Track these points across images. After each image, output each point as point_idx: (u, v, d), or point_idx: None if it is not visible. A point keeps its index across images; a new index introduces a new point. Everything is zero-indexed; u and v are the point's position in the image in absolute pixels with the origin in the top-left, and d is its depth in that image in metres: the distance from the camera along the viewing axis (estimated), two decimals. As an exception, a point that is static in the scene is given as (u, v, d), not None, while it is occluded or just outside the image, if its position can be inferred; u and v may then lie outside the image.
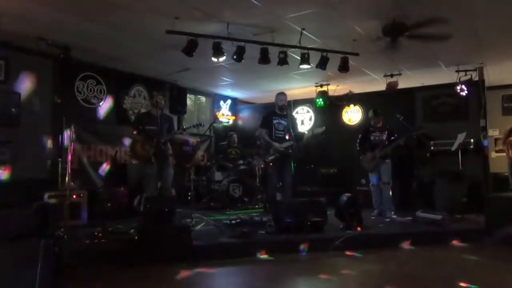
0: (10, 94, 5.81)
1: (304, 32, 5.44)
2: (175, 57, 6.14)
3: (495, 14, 5.02)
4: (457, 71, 7.10)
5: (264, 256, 4.17)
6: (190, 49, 5.18)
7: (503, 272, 3.75)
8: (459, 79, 7.07)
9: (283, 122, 5.82)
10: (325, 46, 5.90)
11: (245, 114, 9.97)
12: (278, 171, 5.74)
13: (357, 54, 5.96)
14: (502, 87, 8.63)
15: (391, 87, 7.51)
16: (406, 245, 4.62)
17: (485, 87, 6.96)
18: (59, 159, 5.84)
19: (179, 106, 8.36)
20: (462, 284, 3.23)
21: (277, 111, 5.88)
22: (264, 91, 9.14)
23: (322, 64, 5.92)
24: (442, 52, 6.41)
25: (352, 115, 8.32)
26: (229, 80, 8.32)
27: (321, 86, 8.43)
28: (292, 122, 5.91)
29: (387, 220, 5.83)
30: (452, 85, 7.10)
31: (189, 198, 6.91)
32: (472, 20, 5.20)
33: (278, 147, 5.64)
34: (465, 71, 7.05)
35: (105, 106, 7.15)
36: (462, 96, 6.98)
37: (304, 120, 8.97)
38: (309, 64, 5.84)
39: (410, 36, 5.34)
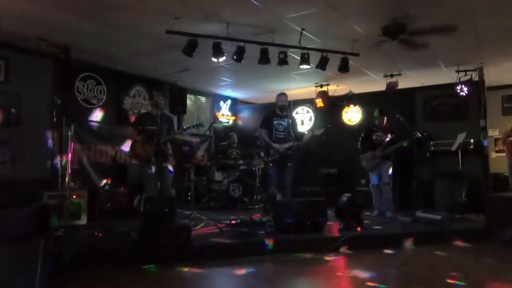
0: (10, 94, 5.82)
1: (304, 32, 5.44)
2: (175, 57, 6.14)
3: (495, 14, 5.02)
4: (457, 71, 7.11)
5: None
6: (190, 49, 5.18)
7: (503, 272, 3.75)
8: (459, 79, 7.07)
9: (283, 123, 5.82)
10: (325, 46, 5.90)
11: (245, 114, 9.98)
12: (278, 171, 5.74)
13: (357, 54, 5.96)
14: (502, 87, 8.63)
15: (391, 87, 7.51)
16: (406, 245, 4.62)
17: (485, 87, 6.96)
18: (59, 159, 5.84)
19: (179, 106, 8.36)
20: (461, 284, 3.23)
21: (277, 112, 5.87)
22: (264, 91, 9.15)
23: (322, 64, 5.92)
24: (442, 52, 6.42)
25: (352, 115, 8.32)
26: (229, 80, 8.32)
27: (321, 86, 8.43)
28: (292, 122, 5.91)
29: (387, 220, 5.83)
30: (452, 85, 7.10)
31: (189, 198, 6.91)
32: (472, 20, 5.20)
33: (278, 148, 5.64)
34: (465, 71, 7.05)
35: (105, 106, 7.15)
36: (462, 96, 6.98)
37: (304, 120, 8.97)
38: (309, 64, 5.84)
39: (412, 33, 5.35)
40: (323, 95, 8.36)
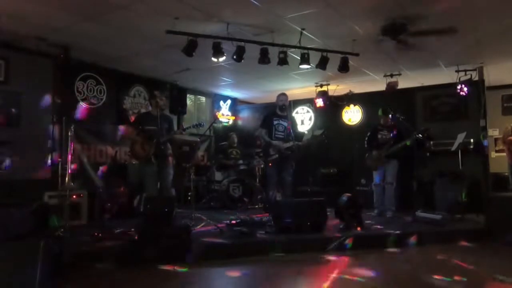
0: (10, 94, 5.82)
1: (304, 32, 5.44)
2: (175, 57, 6.14)
3: (495, 14, 5.02)
4: (457, 71, 7.10)
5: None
6: (190, 49, 5.18)
7: (503, 272, 3.75)
8: (459, 79, 7.06)
9: (283, 123, 5.82)
10: (325, 46, 5.90)
11: (245, 114, 9.97)
12: (278, 171, 5.74)
13: (357, 54, 5.96)
14: (502, 87, 8.62)
15: (391, 87, 7.50)
16: (406, 245, 4.62)
17: (485, 87, 6.96)
18: (59, 159, 5.83)
19: (179, 106, 8.36)
20: (461, 284, 3.23)
21: (278, 112, 5.88)
22: (264, 91, 9.15)
23: (322, 64, 5.91)
24: (442, 52, 6.41)
25: (352, 115, 8.32)
26: (229, 80, 8.32)
27: (321, 86, 8.42)
28: (292, 124, 5.91)
29: (387, 220, 5.83)
30: (452, 85, 7.09)
31: (189, 198, 6.91)
32: (472, 20, 5.19)
33: (278, 146, 5.63)
34: (465, 71, 7.04)
35: (105, 106, 7.15)
36: (462, 96, 6.97)
37: (304, 120, 8.97)
38: (309, 64, 5.84)
39: (412, 34, 5.35)
40: (323, 95, 8.36)
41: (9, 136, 5.69)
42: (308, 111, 8.95)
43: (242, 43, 5.33)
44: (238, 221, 5.18)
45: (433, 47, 6.07)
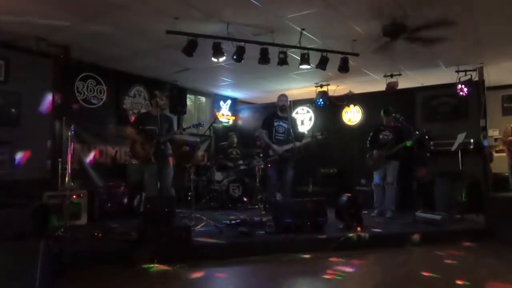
0: (10, 94, 5.82)
1: (304, 32, 5.44)
2: (175, 57, 6.14)
3: (495, 14, 5.02)
4: (457, 71, 7.10)
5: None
6: (190, 49, 5.18)
7: (503, 272, 3.75)
8: (459, 79, 7.07)
9: (283, 124, 5.82)
10: (325, 46, 5.90)
11: (245, 114, 9.97)
12: (278, 171, 5.75)
13: (357, 55, 5.96)
14: (502, 87, 8.62)
15: (391, 87, 7.50)
16: (406, 245, 4.62)
17: (485, 87, 6.96)
18: (59, 159, 5.84)
19: (179, 106, 8.36)
20: (461, 285, 3.23)
21: (278, 113, 5.88)
22: (264, 91, 9.15)
23: (322, 64, 5.91)
24: (442, 52, 6.41)
25: (352, 115, 8.31)
26: (229, 80, 8.32)
27: (321, 86, 8.42)
28: (293, 123, 5.91)
29: (387, 220, 5.83)
30: (452, 85, 7.09)
31: (189, 198, 6.91)
32: (472, 20, 5.19)
33: (277, 150, 5.64)
34: (465, 71, 7.05)
35: (105, 106, 7.15)
36: (462, 96, 6.97)
37: (304, 120, 8.97)
38: (309, 64, 5.84)
39: (409, 38, 5.35)
40: (323, 95, 8.36)
41: (9, 136, 5.70)
42: (308, 111, 8.95)
43: (242, 43, 5.33)
44: (238, 221, 5.18)
45: (433, 47, 6.06)
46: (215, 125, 9.00)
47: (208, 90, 9.41)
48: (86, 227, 5.16)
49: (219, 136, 9.39)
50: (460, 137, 6.35)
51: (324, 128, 7.34)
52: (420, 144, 6.15)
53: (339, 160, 8.04)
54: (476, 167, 6.49)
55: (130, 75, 7.58)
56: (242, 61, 5.50)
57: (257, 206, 7.07)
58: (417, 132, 5.95)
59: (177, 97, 8.34)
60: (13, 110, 5.83)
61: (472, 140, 6.70)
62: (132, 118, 7.25)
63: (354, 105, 8.28)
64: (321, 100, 8.33)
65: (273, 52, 5.56)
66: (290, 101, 6.16)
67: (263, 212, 6.13)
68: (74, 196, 5.39)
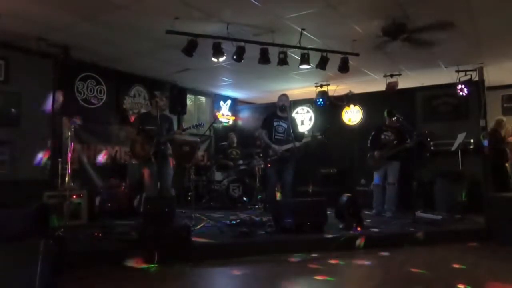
0: (10, 94, 5.82)
1: (304, 32, 5.44)
2: (175, 57, 6.14)
3: (495, 14, 5.02)
4: (457, 71, 7.10)
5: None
6: (190, 49, 5.18)
7: (503, 272, 3.75)
8: (459, 79, 7.07)
9: (283, 124, 5.82)
10: (325, 46, 5.90)
11: (245, 114, 9.98)
12: (278, 171, 5.75)
13: (357, 54, 5.96)
14: (502, 87, 8.62)
15: (391, 87, 7.51)
16: (406, 245, 4.62)
17: (485, 87, 6.94)
18: (59, 159, 5.84)
19: (179, 106, 8.35)
20: (461, 286, 3.23)
21: (278, 113, 5.88)
22: (264, 91, 9.15)
23: (322, 64, 5.91)
24: (442, 52, 6.41)
25: (352, 115, 8.32)
26: (229, 80, 8.32)
27: (321, 86, 8.43)
28: (292, 124, 5.91)
29: (387, 220, 5.83)
30: (452, 85, 7.10)
31: (189, 198, 6.91)
32: (472, 20, 5.19)
33: (276, 150, 5.64)
34: (465, 71, 7.05)
35: (105, 106, 7.15)
36: (462, 96, 6.98)
37: (304, 120, 8.97)
38: (309, 64, 5.84)
39: (408, 40, 5.36)
40: (323, 95, 8.36)
41: (9, 136, 5.70)
42: (308, 111, 8.95)
43: (242, 43, 5.33)
44: (238, 221, 5.18)
45: (433, 47, 6.07)
46: (215, 125, 9.01)
47: (208, 90, 9.41)
48: (86, 227, 5.15)
49: (219, 136, 9.39)
50: (460, 137, 6.35)
51: (324, 128, 7.32)
52: (421, 144, 6.15)
53: (339, 160, 8.04)
54: (476, 167, 6.49)
55: (130, 75, 7.58)
56: (242, 61, 5.50)
57: (257, 206, 7.08)
58: (419, 135, 5.94)
59: (177, 97, 8.33)
60: (13, 110, 5.83)
61: (472, 140, 6.70)
62: (132, 118, 7.24)
63: (354, 105, 8.28)
64: (321, 100, 8.34)
65: (273, 52, 5.56)
66: (290, 101, 6.15)
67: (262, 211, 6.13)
68: (74, 196, 5.39)
